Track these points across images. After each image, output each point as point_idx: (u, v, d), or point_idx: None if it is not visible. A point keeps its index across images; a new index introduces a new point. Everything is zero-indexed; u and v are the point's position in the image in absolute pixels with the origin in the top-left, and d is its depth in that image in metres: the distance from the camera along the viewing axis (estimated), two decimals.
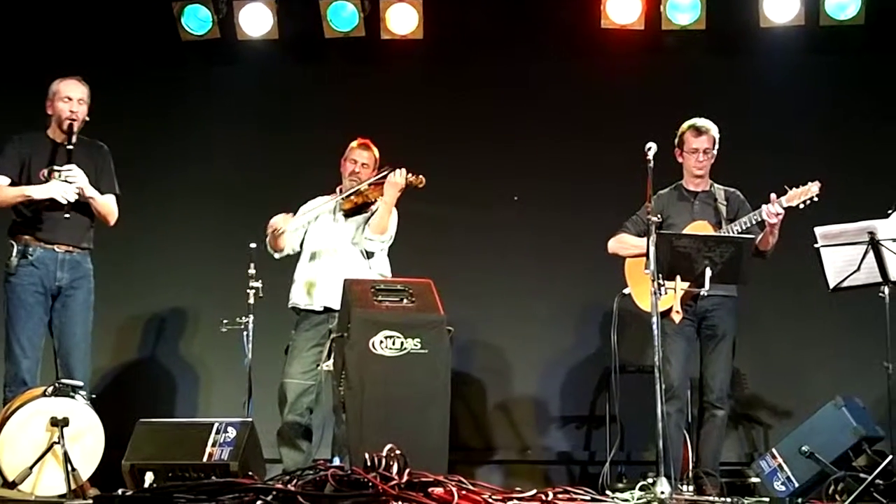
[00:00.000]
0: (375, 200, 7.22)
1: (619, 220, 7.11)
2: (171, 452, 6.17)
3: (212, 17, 8.82)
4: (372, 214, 7.23)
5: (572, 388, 8.53)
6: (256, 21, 8.86)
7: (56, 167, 6.68)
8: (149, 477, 6.01)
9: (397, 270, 7.26)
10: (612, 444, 7.39)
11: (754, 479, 7.21)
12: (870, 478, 6.08)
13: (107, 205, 6.86)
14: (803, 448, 6.81)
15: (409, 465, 5.40)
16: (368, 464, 5.39)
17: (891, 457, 6.11)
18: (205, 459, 6.09)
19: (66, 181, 6.61)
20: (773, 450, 7.12)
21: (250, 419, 6.45)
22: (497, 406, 8.66)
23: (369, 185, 7.21)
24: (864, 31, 8.40)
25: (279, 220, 7.24)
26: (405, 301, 6.32)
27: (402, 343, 6.09)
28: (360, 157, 7.34)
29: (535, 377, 8.65)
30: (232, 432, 6.18)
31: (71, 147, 6.67)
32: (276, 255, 7.34)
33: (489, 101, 8.86)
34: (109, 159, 6.97)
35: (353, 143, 7.40)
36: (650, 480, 6.19)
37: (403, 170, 7.04)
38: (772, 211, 6.55)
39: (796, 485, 6.88)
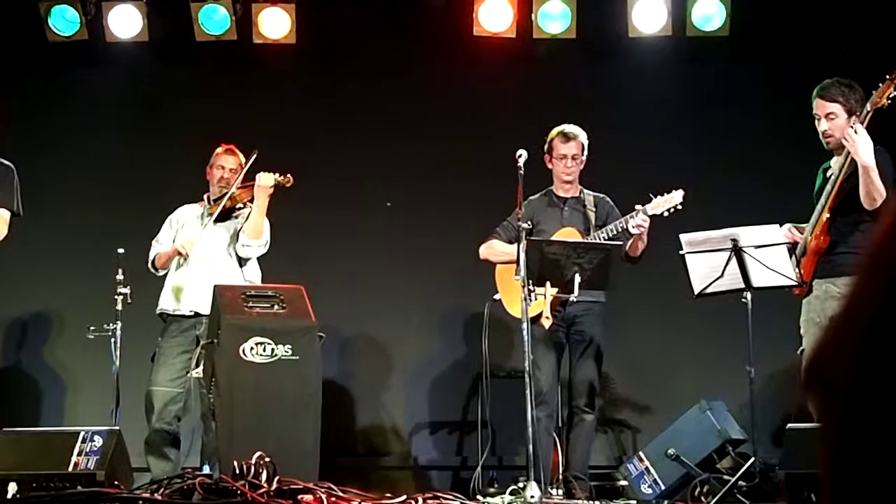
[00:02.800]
0: (245, 204, 7.20)
1: (489, 226, 7.15)
2: (35, 462, 6.05)
3: (79, 17, 8.61)
4: (242, 218, 7.20)
5: (443, 394, 8.56)
6: (125, 23, 8.66)
7: None
8: (12, 487, 5.88)
9: (267, 276, 7.22)
10: (484, 448, 7.41)
11: (622, 483, 7.31)
12: (733, 479, 6.22)
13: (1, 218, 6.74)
14: (669, 451, 6.94)
15: (278, 473, 5.38)
16: (237, 472, 5.36)
17: (753, 458, 6.24)
18: (70, 469, 5.98)
19: None
20: (641, 453, 7.24)
21: (117, 427, 6.36)
22: (369, 412, 8.65)
23: (238, 188, 7.16)
24: (729, 42, 8.57)
25: (188, 246, 7.12)
26: (276, 307, 6.30)
27: (272, 349, 6.06)
28: (227, 162, 7.29)
29: (407, 383, 8.67)
30: (98, 441, 6.08)
31: None
32: (160, 273, 7.24)
33: (361, 105, 8.86)
34: (13, 177, 6.84)
35: (219, 150, 7.35)
36: (520, 485, 6.25)
37: (271, 172, 7.01)
38: (636, 221, 6.64)
39: (663, 487, 7.00)
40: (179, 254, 7.10)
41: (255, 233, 7.08)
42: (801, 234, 6.14)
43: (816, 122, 6.17)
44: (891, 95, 5.76)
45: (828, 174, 6.19)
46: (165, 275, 7.22)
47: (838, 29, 8.38)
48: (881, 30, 8.23)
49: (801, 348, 6.35)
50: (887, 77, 5.77)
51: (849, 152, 5.82)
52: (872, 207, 5.83)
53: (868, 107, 5.82)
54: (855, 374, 1.12)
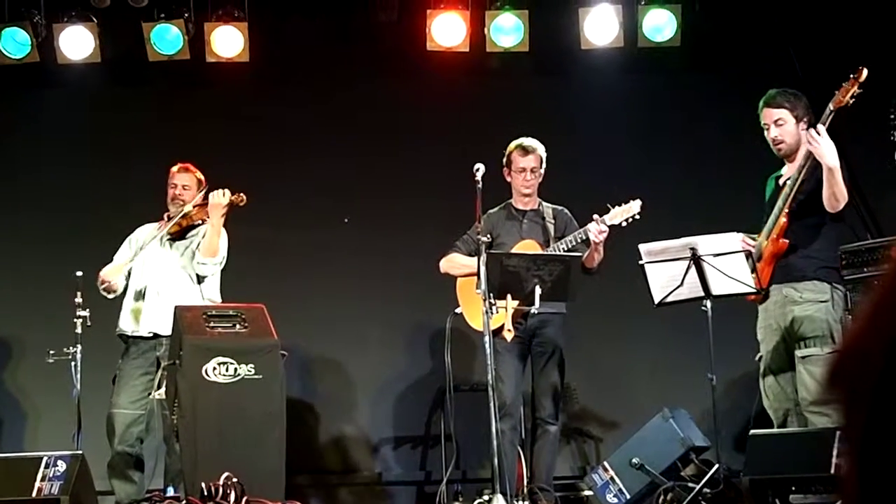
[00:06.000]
0: (202, 221, 7.19)
1: (449, 240, 7.17)
2: None
3: (30, 40, 8.50)
4: (199, 236, 7.18)
5: (407, 409, 8.55)
6: (77, 44, 8.56)
7: None
8: None
9: (226, 295, 7.20)
10: (448, 462, 7.39)
11: (587, 493, 7.33)
12: (698, 486, 6.26)
13: None
14: (633, 460, 6.96)
15: (246, 493, 5.37)
16: (205, 493, 5.34)
17: (717, 465, 6.28)
18: (34, 495, 5.94)
19: None
20: (605, 463, 7.26)
21: (80, 452, 6.30)
22: (333, 429, 8.62)
23: (193, 206, 7.16)
24: (680, 53, 8.62)
25: (110, 276, 7.09)
26: (238, 327, 6.28)
27: (235, 369, 6.05)
28: (181, 180, 7.29)
29: (371, 398, 8.65)
30: (62, 466, 6.04)
31: None
32: (111, 296, 7.20)
33: (317, 123, 8.85)
34: None
35: (174, 168, 7.35)
36: (486, 497, 6.26)
37: (225, 189, 7.01)
38: (596, 230, 6.69)
39: (628, 496, 7.03)
40: (106, 282, 7.08)
41: (210, 251, 7.07)
42: (754, 241, 6.19)
43: (765, 131, 6.25)
44: (854, 94, 5.82)
45: (780, 181, 6.26)
46: (119, 298, 7.18)
47: (788, 39, 8.48)
48: (830, 40, 8.33)
49: (760, 355, 6.41)
50: (851, 76, 5.83)
51: (808, 156, 5.89)
52: (835, 210, 5.91)
53: (831, 106, 5.87)
54: (879, 378, 1.15)
